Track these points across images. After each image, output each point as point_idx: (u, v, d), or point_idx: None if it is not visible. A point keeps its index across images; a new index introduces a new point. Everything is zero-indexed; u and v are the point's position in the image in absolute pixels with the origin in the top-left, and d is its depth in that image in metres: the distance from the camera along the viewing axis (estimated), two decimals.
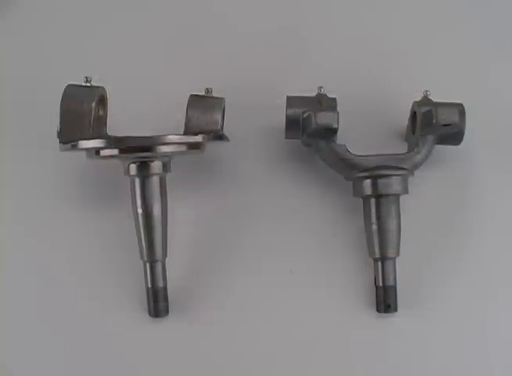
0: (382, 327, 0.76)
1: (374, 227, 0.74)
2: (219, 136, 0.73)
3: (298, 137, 0.75)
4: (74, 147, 0.70)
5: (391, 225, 0.74)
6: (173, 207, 0.74)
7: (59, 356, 0.75)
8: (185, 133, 0.72)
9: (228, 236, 0.78)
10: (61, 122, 0.71)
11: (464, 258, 0.78)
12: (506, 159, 0.80)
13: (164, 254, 0.74)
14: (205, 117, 0.72)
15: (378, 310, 0.75)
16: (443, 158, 0.79)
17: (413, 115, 0.77)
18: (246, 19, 0.83)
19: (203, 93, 0.73)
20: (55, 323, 0.76)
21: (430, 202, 0.79)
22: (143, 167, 0.72)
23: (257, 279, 0.77)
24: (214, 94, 0.73)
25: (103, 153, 0.71)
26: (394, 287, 0.75)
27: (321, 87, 0.75)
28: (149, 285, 0.74)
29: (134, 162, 0.72)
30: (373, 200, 0.74)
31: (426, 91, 0.75)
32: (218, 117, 0.72)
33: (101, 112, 0.74)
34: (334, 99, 0.74)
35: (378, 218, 0.74)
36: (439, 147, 0.76)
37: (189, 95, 0.72)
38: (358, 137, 0.77)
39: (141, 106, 0.79)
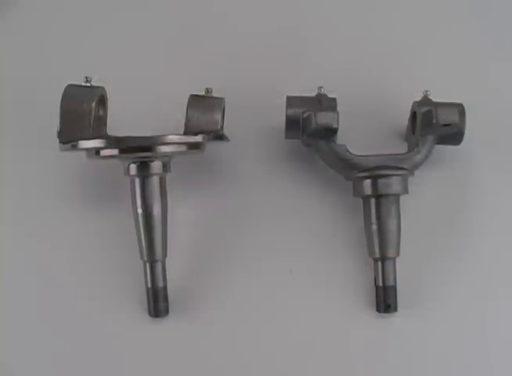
0: (382, 327, 0.76)
1: (374, 227, 0.74)
2: (219, 136, 0.73)
3: (298, 137, 0.75)
4: (74, 147, 0.70)
5: (391, 225, 0.74)
6: (173, 207, 0.74)
7: (59, 356, 0.75)
8: (185, 133, 0.72)
9: (228, 236, 0.78)
10: (61, 122, 0.71)
11: (464, 258, 0.78)
12: (506, 159, 0.80)
13: (164, 254, 0.74)
14: (205, 117, 0.72)
15: (378, 310, 0.75)
16: (443, 158, 0.79)
17: (413, 115, 0.77)
18: (246, 19, 0.83)
19: (203, 93, 0.73)
20: (55, 323, 0.76)
21: (430, 202, 0.79)
22: (143, 167, 0.72)
23: (257, 279, 0.77)
24: (214, 94, 0.73)
25: (103, 153, 0.71)
26: (394, 287, 0.75)
27: (321, 87, 0.75)
28: (149, 285, 0.74)
29: (134, 162, 0.72)
30: (373, 200, 0.74)
31: (426, 91, 0.75)
32: (218, 117, 0.72)
33: (101, 112, 0.74)
34: (334, 99, 0.74)
35: (378, 218, 0.74)
36: (439, 147, 0.76)
37: (189, 95, 0.72)
38: (358, 137, 0.77)
39: (141, 106, 0.79)
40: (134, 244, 0.74)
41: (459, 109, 0.73)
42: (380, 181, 0.73)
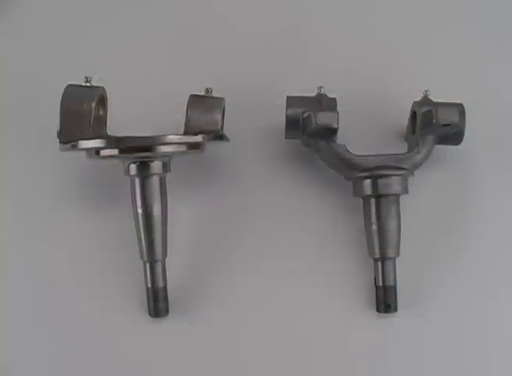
0: (382, 327, 0.76)
1: (374, 227, 0.74)
2: (219, 136, 0.73)
3: (298, 137, 0.75)
4: (74, 147, 0.70)
5: (391, 225, 0.74)
6: (173, 207, 0.74)
7: (59, 356, 0.75)
8: (185, 133, 0.72)
9: (228, 236, 0.78)
10: (61, 122, 0.71)
11: (464, 258, 0.78)
12: (506, 159, 0.80)
13: (164, 254, 0.74)
14: (205, 117, 0.72)
15: (378, 310, 0.75)
16: (443, 158, 0.79)
17: (413, 115, 0.77)
18: (246, 19, 0.83)
19: (203, 93, 0.73)
20: (55, 323, 0.76)
21: (430, 202, 0.79)
22: (143, 167, 0.72)
23: (257, 279, 0.77)
24: (214, 94, 0.73)
25: (103, 153, 0.71)
26: (394, 287, 0.75)
27: (321, 87, 0.75)
28: (149, 285, 0.74)
29: (134, 162, 0.72)
30: (373, 200, 0.74)
31: (426, 91, 0.75)
32: (218, 117, 0.72)
33: (101, 112, 0.74)
34: (334, 99, 0.74)
35: (378, 218, 0.74)
36: (439, 147, 0.76)
37: (189, 95, 0.72)
38: (358, 137, 0.77)
39: (141, 106, 0.79)
40: (134, 244, 0.74)
41: (459, 109, 0.73)
42: (380, 181, 0.73)
